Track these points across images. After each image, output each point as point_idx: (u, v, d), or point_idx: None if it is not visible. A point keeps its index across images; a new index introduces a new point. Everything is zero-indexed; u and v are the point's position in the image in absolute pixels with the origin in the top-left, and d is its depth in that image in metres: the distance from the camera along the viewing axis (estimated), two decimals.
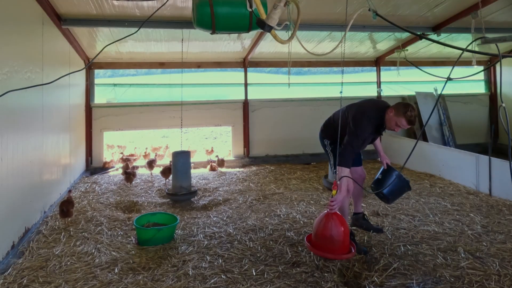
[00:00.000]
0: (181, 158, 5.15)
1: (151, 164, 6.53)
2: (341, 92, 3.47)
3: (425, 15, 5.77)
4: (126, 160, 6.63)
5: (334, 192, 3.11)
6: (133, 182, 5.95)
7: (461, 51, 2.45)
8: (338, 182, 3.17)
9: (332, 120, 3.93)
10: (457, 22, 5.87)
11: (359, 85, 8.86)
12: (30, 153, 3.93)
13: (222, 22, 3.52)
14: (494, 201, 4.85)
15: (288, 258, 3.37)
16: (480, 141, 8.46)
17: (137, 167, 6.46)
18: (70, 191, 4.68)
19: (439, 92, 8.28)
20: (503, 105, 2.41)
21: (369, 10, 2.71)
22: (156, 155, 7.00)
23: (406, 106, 3.38)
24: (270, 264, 3.26)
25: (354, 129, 3.40)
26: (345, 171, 3.25)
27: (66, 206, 4.12)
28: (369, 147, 3.97)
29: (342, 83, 3.37)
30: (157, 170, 6.80)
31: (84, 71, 6.63)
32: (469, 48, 2.60)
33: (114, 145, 7.60)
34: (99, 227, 4.08)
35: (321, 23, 5.79)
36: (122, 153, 7.12)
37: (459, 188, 5.48)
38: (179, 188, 5.03)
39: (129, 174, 5.91)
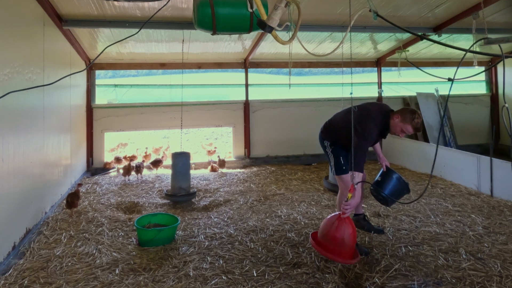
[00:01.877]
0: (181, 159, 5.15)
1: (156, 163, 6.58)
2: (351, 93, 3.45)
3: (426, 15, 5.77)
4: (120, 160, 6.75)
5: (349, 195, 3.07)
6: (134, 182, 5.97)
7: (464, 52, 2.44)
8: (356, 186, 3.12)
9: (333, 121, 3.92)
10: (458, 22, 5.87)
11: (360, 86, 8.85)
12: (31, 154, 3.93)
13: (223, 23, 3.51)
14: (495, 202, 4.84)
15: (289, 259, 3.36)
16: (481, 142, 8.44)
17: (133, 167, 6.49)
18: (80, 184, 4.90)
19: (443, 94, 8.26)
20: (506, 105, 2.40)
21: (370, 10, 2.71)
22: (163, 156, 7.02)
23: (413, 112, 3.37)
24: (271, 265, 3.25)
25: (361, 131, 3.37)
26: (359, 176, 3.23)
27: (71, 198, 4.43)
28: (369, 148, 3.96)
29: (351, 83, 3.35)
30: (159, 171, 6.82)
31: (85, 71, 6.64)
32: (471, 48, 2.58)
33: (127, 143, 7.66)
34: (100, 228, 4.08)
35: (322, 23, 5.79)
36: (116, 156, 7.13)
37: (460, 189, 5.47)
38: (178, 189, 5.02)
39: (139, 167, 6.17)
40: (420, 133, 7.99)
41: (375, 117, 3.46)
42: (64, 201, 4.62)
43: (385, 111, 3.55)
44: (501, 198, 4.98)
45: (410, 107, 3.53)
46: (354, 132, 3.37)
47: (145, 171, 6.64)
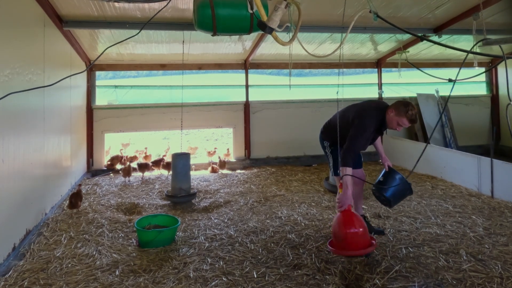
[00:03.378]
0: (181, 160, 5.14)
1: (157, 163, 6.59)
2: (337, 93, 3.48)
3: (426, 16, 5.76)
4: (115, 158, 6.77)
5: (340, 190, 3.21)
6: (134, 183, 5.96)
7: (466, 53, 2.43)
8: (341, 181, 3.24)
9: (332, 122, 3.93)
10: (459, 23, 5.87)
11: (360, 87, 8.84)
12: (31, 155, 3.93)
13: (223, 24, 3.51)
14: (496, 203, 4.83)
15: (289, 260, 3.36)
16: (482, 142, 8.43)
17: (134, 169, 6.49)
18: (80, 184, 4.99)
19: (443, 95, 8.26)
20: None
21: (370, 11, 2.70)
22: (164, 156, 7.03)
23: (406, 105, 3.39)
24: (271, 267, 3.25)
25: (355, 130, 3.40)
26: (348, 170, 3.28)
27: (75, 199, 4.51)
28: (370, 148, 3.96)
29: (338, 84, 3.38)
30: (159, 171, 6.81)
31: (85, 72, 6.64)
32: (472, 49, 2.59)
33: (129, 143, 7.64)
34: (100, 229, 4.08)
35: (322, 24, 5.79)
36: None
37: (461, 190, 5.46)
38: (179, 190, 5.02)
39: (142, 167, 6.23)
40: (420, 132, 7.99)
41: (371, 114, 3.50)
42: (67, 202, 4.65)
43: (381, 107, 3.57)
44: (501, 199, 4.97)
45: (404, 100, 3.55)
46: (350, 130, 3.41)
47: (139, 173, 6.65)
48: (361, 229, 3.06)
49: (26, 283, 2.96)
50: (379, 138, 3.92)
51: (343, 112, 3.72)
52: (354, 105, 3.72)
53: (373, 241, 3.13)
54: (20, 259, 3.38)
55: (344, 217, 3.11)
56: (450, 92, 2.92)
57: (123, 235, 3.95)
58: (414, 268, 3.17)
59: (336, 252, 3.14)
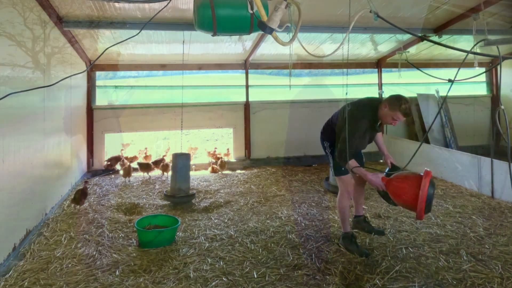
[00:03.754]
0: (181, 160, 5.14)
1: (158, 163, 6.60)
2: (346, 93, 3.48)
3: (426, 16, 5.76)
4: (114, 159, 6.77)
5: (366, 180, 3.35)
6: (134, 183, 5.96)
7: (466, 53, 2.43)
8: (356, 175, 3.42)
9: (331, 121, 3.93)
10: (459, 23, 5.87)
11: (361, 87, 8.84)
12: (32, 155, 3.93)
13: (223, 24, 3.51)
14: (496, 203, 4.83)
15: (289, 260, 3.36)
16: (482, 143, 8.43)
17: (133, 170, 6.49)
18: (86, 181, 5.01)
19: (443, 95, 8.26)
20: (502, 107, 2.40)
21: (370, 11, 2.70)
22: (164, 156, 7.03)
23: (399, 99, 3.39)
24: (272, 267, 3.25)
25: (349, 127, 3.41)
26: (351, 162, 3.33)
27: (79, 195, 4.58)
28: (370, 148, 3.95)
29: (347, 85, 3.37)
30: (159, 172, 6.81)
31: (85, 72, 6.64)
32: (472, 50, 2.59)
33: (129, 143, 7.64)
34: (100, 229, 4.08)
35: (322, 25, 5.79)
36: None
37: (461, 190, 5.46)
38: (178, 190, 5.02)
39: (143, 167, 6.26)
40: (420, 133, 7.98)
41: (364, 112, 3.52)
42: (71, 196, 4.67)
43: (375, 103, 3.57)
44: (502, 199, 4.97)
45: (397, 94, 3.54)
46: (346, 128, 3.43)
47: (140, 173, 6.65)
48: (406, 186, 2.97)
49: (26, 283, 2.96)
50: (380, 136, 3.91)
51: (339, 112, 3.72)
52: (349, 104, 3.72)
53: (424, 173, 2.96)
54: (20, 259, 3.38)
55: (392, 192, 3.06)
56: (447, 92, 2.91)
57: (123, 235, 3.96)
58: (414, 268, 3.17)
59: (422, 214, 2.90)
